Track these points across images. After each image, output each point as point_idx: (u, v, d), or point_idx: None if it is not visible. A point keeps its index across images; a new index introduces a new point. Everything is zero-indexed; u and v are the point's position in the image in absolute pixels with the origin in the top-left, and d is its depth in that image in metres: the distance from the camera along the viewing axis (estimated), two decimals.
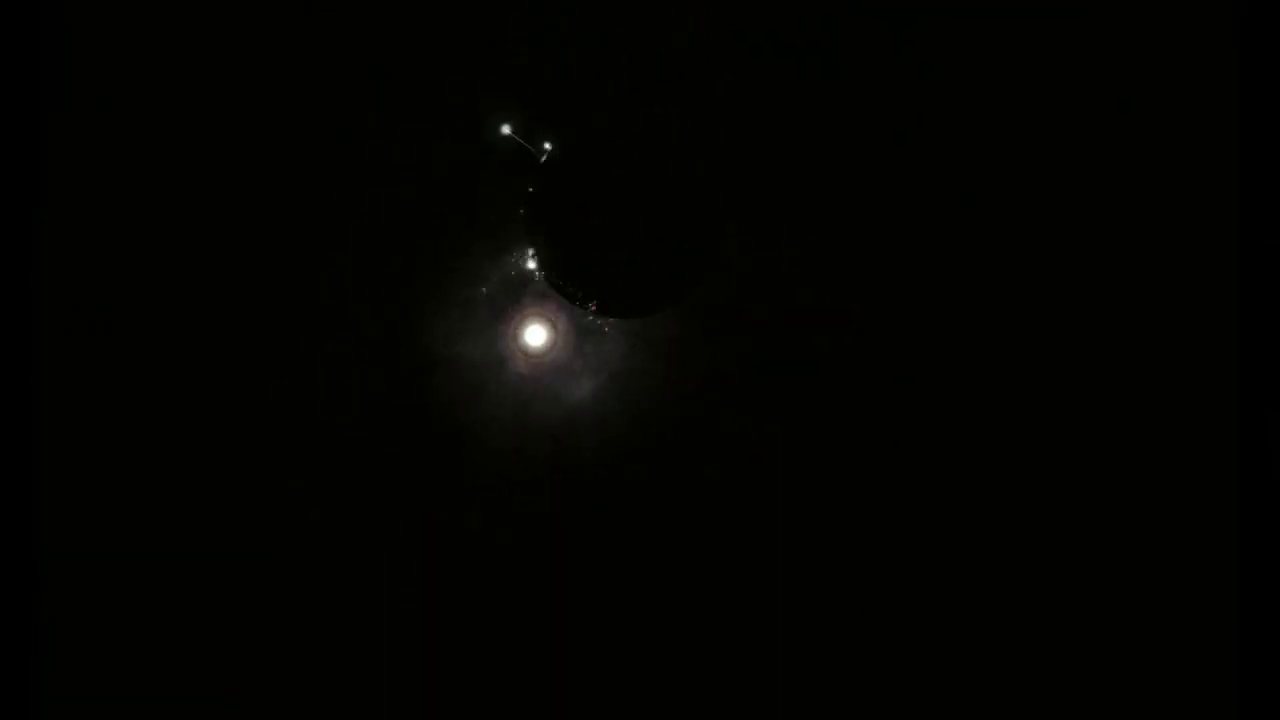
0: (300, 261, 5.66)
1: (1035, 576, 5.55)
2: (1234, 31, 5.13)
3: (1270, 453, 4.88)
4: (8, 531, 4.80)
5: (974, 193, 5.65)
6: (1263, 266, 4.97)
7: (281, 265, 5.64)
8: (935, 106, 5.61)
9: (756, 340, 5.78)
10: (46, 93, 5.24)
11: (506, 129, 5.03)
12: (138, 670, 5.41)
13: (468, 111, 5.63)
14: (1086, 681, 5.49)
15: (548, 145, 5.02)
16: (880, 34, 5.60)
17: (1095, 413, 5.57)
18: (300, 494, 5.64)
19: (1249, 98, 5.01)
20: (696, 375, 5.81)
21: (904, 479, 5.67)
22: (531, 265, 5.72)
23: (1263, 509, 4.87)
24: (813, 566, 5.67)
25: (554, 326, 5.81)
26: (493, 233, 5.77)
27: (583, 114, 5.65)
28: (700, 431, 5.79)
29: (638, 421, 5.78)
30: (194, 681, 5.45)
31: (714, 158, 5.61)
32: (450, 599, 5.69)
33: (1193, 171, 5.46)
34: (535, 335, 5.81)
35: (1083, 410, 5.58)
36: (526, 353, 5.81)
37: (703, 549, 5.73)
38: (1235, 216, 5.16)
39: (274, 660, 5.53)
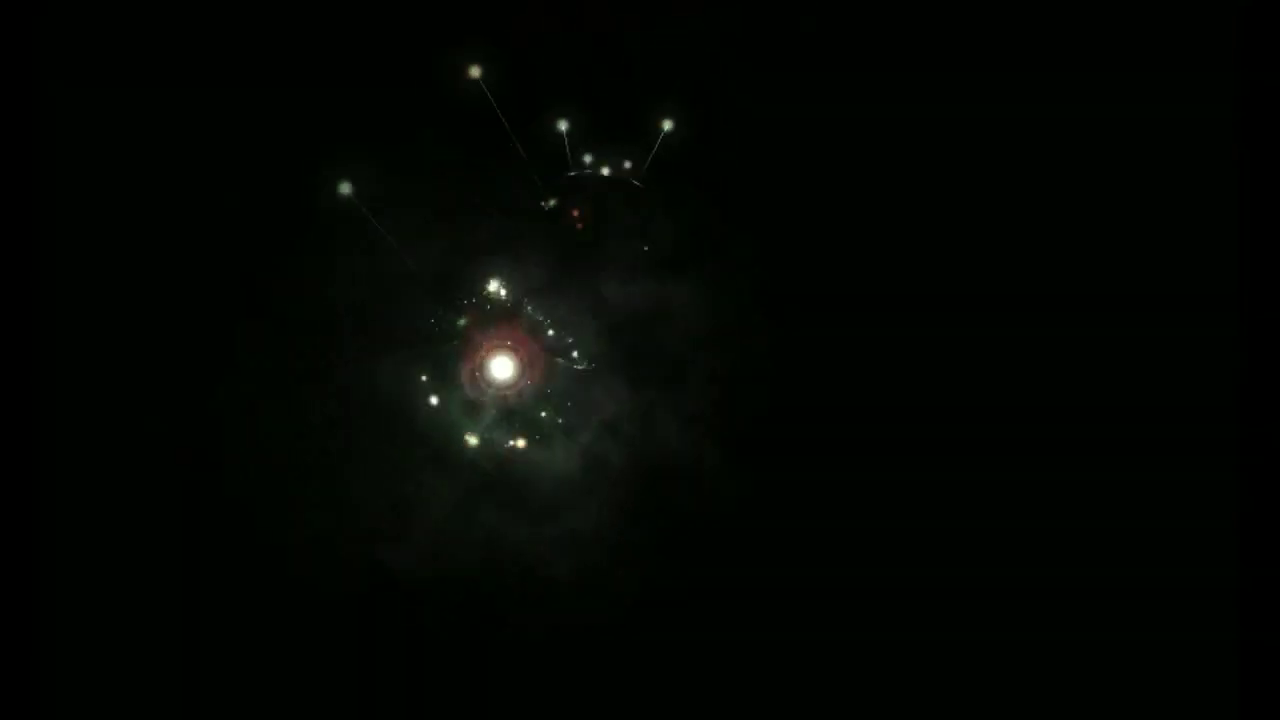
0: (302, 262, 5.66)
1: (1035, 575, 5.55)
2: (1234, 30, 5.15)
3: (1270, 452, 4.89)
4: (8, 531, 4.81)
5: (974, 193, 5.66)
6: (1263, 266, 4.98)
7: (283, 266, 5.65)
8: (935, 106, 5.62)
9: (759, 339, 5.79)
10: (46, 92, 5.24)
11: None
12: (138, 670, 5.41)
13: (466, 110, 5.65)
14: (1087, 681, 5.50)
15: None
16: (880, 34, 5.61)
17: (1095, 412, 5.57)
18: (299, 495, 5.64)
19: (1250, 97, 5.02)
20: (698, 376, 5.82)
21: (904, 480, 5.67)
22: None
23: (1263, 508, 4.88)
24: (812, 566, 5.67)
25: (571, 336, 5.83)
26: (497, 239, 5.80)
27: (581, 113, 5.67)
28: (703, 432, 5.80)
29: (637, 421, 5.79)
30: (194, 682, 5.45)
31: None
32: (451, 604, 5.70)
33: (1193, 172, 5.46)
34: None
35: (1082, 410, 5.58)
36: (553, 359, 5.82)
37: (705, 550, 5.74)
38: (1235, 215, 5.17)
39: (274, 661, 5.54)
